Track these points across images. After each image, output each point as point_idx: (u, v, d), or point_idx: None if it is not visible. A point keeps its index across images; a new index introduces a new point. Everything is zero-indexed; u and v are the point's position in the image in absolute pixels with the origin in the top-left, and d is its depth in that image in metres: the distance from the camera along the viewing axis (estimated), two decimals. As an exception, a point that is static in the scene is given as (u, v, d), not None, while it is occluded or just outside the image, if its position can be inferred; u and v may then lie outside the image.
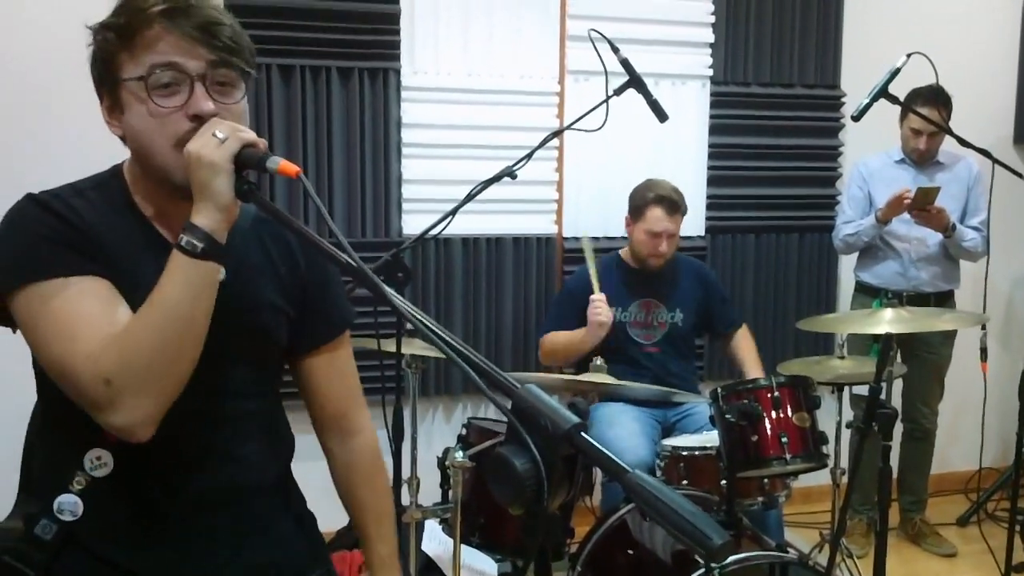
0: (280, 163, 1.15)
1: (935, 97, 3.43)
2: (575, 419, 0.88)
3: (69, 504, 1.27)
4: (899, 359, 3.46)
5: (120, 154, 1.35)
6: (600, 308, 3.14)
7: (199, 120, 1.21)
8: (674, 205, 3.25)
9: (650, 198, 3.25)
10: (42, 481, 1.32)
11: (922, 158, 3.70)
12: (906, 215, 3.54)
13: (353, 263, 1.07)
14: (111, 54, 1.23)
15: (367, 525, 1.54)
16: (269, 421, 1.45)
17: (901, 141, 3.74)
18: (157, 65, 1.20)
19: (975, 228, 3.68)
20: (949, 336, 3.80)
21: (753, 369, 3.35)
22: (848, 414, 3.16)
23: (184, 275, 1.17)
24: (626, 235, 3.39)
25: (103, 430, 1.22)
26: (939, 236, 3.64)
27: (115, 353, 1.15)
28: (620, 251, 3.46)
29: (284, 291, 1.41)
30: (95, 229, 1.24)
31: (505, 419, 0.92)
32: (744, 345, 3.47)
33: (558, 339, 3.33)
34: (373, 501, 1.55)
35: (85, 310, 1.19)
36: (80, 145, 2.86)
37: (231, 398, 1.35)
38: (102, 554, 1.30)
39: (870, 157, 3.84)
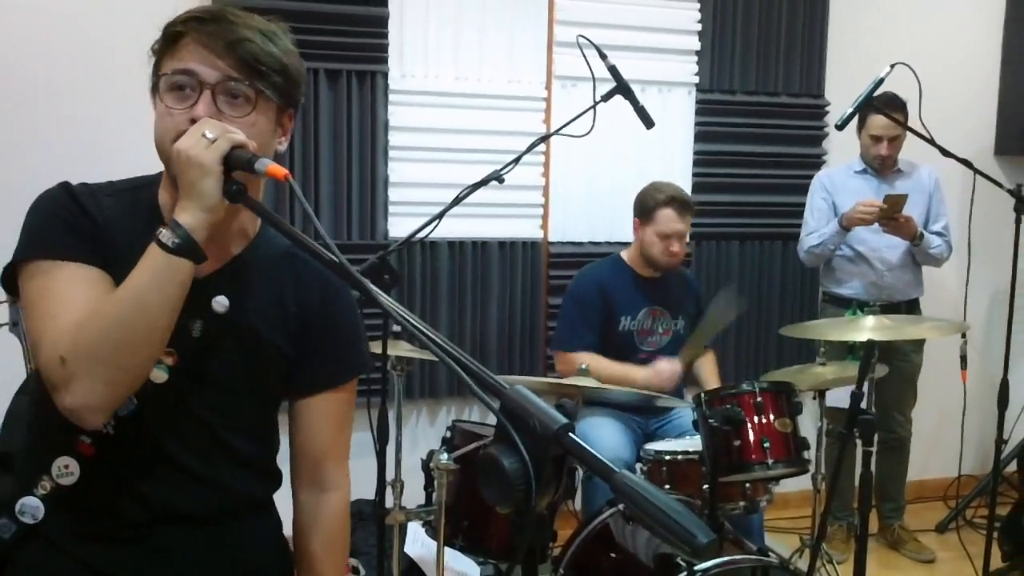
0: (269, 165, 1.16)
1: (891, 103, 3.43)
2: (563, 419, 0.89)
3: (31, 507, 1.28)
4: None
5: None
6: (676, 376, 3.18)
7: None
8: (685, 205, 3.24)
9: (661, 199, 3.22)
10: (7, 480, 1.33)
11: (883, 165, 3.71)
12: (875, 224, 3.54)
13: (337, 260, 1.07)
14: (159, 55, 1.29)
15: None
16: (257, 452, 1.43)
17: (861, 150, 3.75)
18: (176, 69, 1.25)
19: (939, 233, 3.72)
20: (919, 343, 3.82)
21: (713, 381, 3.35)
22: (830, 420, 3.18)
23: (153, 266, 1.19)
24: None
25: (75, 439, 1.25)
26: (905, 244, 3.66)
27: (73, 333, 1.18)
28: (621, 254, 3.41)
29: (286, 330, 1.39)
30: (110, 227, 1.28)
31: (490, 422, 0.93)
32: (708, 366, 3.47)
33: (611, 370, 3.14)
34: (331, 563, 1.50)
35: (73, 294, 1.22)
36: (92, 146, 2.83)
37: (220, 429, 1.35)
38: (61, 546, 1.30)
39: (831, 169, 3.85)
